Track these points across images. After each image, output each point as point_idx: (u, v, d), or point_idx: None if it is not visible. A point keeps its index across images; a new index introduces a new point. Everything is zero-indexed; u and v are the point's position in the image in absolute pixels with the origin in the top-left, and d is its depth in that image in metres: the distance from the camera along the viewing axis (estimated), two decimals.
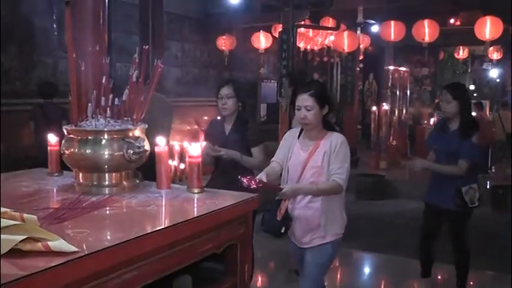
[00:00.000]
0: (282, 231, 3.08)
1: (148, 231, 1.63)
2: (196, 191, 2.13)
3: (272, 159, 3.29)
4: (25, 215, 1.55)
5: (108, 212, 1.88)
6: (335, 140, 3.14)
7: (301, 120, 3.14)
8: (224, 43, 10.68)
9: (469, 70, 15.81)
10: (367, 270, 5.83)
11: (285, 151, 3.26)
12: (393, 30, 9.32)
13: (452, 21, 11.21)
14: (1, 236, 1.36)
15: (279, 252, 5.35)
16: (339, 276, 5.54)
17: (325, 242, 3.18)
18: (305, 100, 3.10)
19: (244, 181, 2.70)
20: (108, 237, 1.66)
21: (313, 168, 3.10)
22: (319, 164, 3.10)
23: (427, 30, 8.90)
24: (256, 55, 11.39)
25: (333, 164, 3.09)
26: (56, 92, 6.46)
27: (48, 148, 2.61)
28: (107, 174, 2.17)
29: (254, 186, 2.64)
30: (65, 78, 6.12)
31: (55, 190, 2.34)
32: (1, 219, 1.44)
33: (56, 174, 2.56)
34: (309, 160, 3.12)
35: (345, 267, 5.67)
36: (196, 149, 2.13)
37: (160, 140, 2.21)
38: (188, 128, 9.33)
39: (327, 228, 3.16)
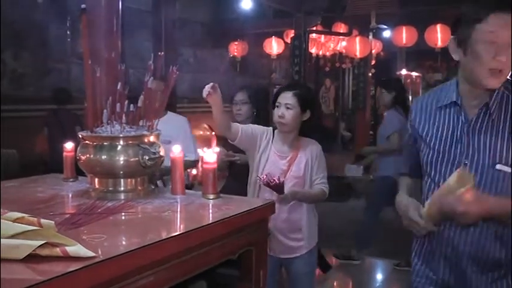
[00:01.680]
0: None
1: (165, 237, 1.63)
2: (211, 197, 2.13)
3: (237, 124, 3.09)
4: (42, 220, 1.56)
5: (123, 217, 1.89)
6: (315, 149, 3.10)
7: (278, 118, 3.03)
8: (236, 49, 10.71)
9: None
10: (379, 277, 5.81)
11: (253, 138, 3.07)
12: (405, 35, 9.29)
13: None
14: (19, 241, 1.38)
15: None
16: (351, 283, 5.53)
17: (311, 249, 3.15)
18: (287, 98, 3.01)
19: (263, 178, 2.71)
20: (124, 243, 1.67)
21: (294, 178, 3.01)
22: (301, 174, 3.03)
23: (439, 35, 8.87)
24: (268, 61, 11.41)
25: (317, 173, 3.06)
26: (70, 98, 6.51)
27: (64, 154, 2.62)
28: (122, 180, 2.18)
29: (275, 183, 2.66)
30: (78, 84, 6.15)
31: (70, 195, 2.35)
32: (19, 224, 1.45)
33: (71, 179, 2.57)
34: (290, 169, 3.02)
35: (357, 274, 5.65)
36: (211, 155, 2.13)
37: (176, 147, 2.22)
38: (201, 133, 9.34)
39: (310, 236, 3.13)
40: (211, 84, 2.58)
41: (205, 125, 9.12)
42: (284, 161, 3.01)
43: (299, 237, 3.09)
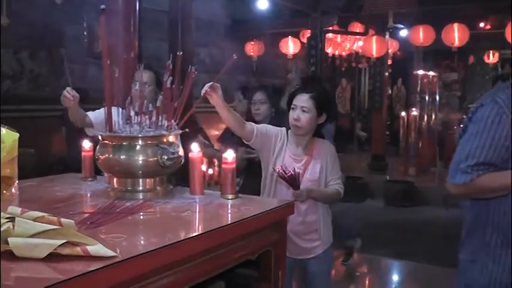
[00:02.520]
0: None
1: (185, 237, 1.63)
2: (230, 197, 2.13)
3: (252, 123, 3.01)
4: (62, 220, 1.56)
5: (142, 217, 1.89)
6: (329, 151, 3.07)
7: (293, 121, 2.97)
8: (252, 49, 10.72)
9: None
10: (395, 278, 5.78)
11: (268, 139, 3.03)
12: (422, 35, 9.24)
13: (482, 25, 11.06)
14: (40, 240, 1.38)
15: None
16: (367, 283, 5.50)
17: (326, 249, 3.13)
18: (303, 101, 2.95)
19: (279, 169, 2.69)
20: (143, 243, 1.67)
21: (309, 182, 2.96)
22: (316, 177, 2.99)
23: (456, 35, 8.83)
24: (285, 61, 11.39)
25: (331, 174, 3.02)
26: (87, 98, 6.53)
27: (82, 153, 2.63)
28: (141, 180, 2.18)
29: (291, 173, 2.64)
30: (94, 84, 6.17)
31: (89, 195, 2.36)
32: (39, 223, 1.45)
33: (90, 179, 2.57)
34: (305, 173, 2.97)
35: (373, 275, 5.63)
36: (230, 154, 2.13)
37: (194, 146, 2.22)
38: (217, 133, 9.34)
39: (326, 236, 3.11)
40: (211, 83, 2.48)
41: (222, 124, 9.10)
42: (299, 164, 2.97)
43: (315, 238, 3.07)
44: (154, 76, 3.62)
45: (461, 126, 2.22)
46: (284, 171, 2.74)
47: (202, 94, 2.49)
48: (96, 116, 3.50)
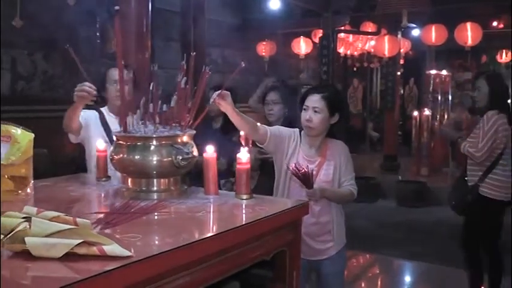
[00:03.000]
0: None
1: (201, 238, 1.63)
2: (244, 197, 2.13)
3: (265, 126, 2.97)
4: (78, 219, 1.57)
5: (156, 217, 1.89)
6: (343, 151, 3.05)
7: (305, 122, 2.95)
8: (264, 49, 10.72)
9: None
10: (408, 279, 5.76)
11: (282, 141, 3.01)
12: (434, 34, 9.18)
13: (495, 23, 10.99)
14: (56, 240, 1.39)
15: None
16: (379, 284, 5.49)
17: (340, 250, 3.11)
18: (315, 101, 2.93)
19: (292, 167, 2.69)
20: (157, 243, 1.67)
21: (323, 183, 2.95)
22: (330, 178, 2.98)
23: (469, 34, 8.76)
24: (296, 61, 11.37)
25: (344, 175, 3.00)
26: (100, 99, 6.56)
27: (96, 154, 2.64)
28: (155, 180, 2.18)
29: (303, 171, 2.63)
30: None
31: (103, 195, 2.37)
32: (55, 223, 1.46)
33: (104, 179, 2.58)
34: (319, 174, 2.96)
35: (385, 275, 5.61)
36: (245, 155, 2.13)
37: (209, 147, 2.22)
38: None
39: (339, 237, 3.09)
40: (219, 91, 2.46)
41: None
42: (312, 166, 2.93)
43: (328, 240, 3.06)
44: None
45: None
46: (298, 168, 2.73)
47: (210, 102, 2.49)
48: (85, 118, 3.30)
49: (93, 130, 3.30)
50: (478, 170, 4.14)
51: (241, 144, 2.80)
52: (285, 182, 3.03)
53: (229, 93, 2.50)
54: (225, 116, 2.93)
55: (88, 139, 3.34)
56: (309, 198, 2.75)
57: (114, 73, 3.32)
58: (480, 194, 4.11)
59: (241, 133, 2.93)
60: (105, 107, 3.45)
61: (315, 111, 2.92)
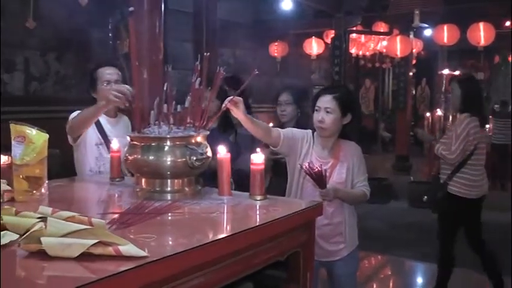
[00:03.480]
0: None
1: (216, 238, 1.63)
2: (258, 198, 2.12)
3: (278, 129, 2.97)
4: (93, 219, 1.58)
5: (170, 218, 1.89)
6: (356, 152, 3.03)
7: (318, 123, 2.93)
8: (276, 49, 10.71)
9: None
10: (419, 280, 5.73)
11: (295, 143, 2.99)
12: (447, 34, 9.11)
13: (508, 23, 10.90)
14: (72, 240, 1.39)
15: None
16: (391, 285, 5.47)
17: (352, 251, 3.10)
18: (327, 102, 2.91)
19: (305, 166, 2.68)
20: (172, 243, 1.68)
21: (336, 184, 2.92)
22: (343, 179, 2.96)
23: (482, 34, 8.69)
24: (308, 61, 11.36)
25: (357, 176, 2.98)
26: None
27: (110, 154, 2.66)
28: (169, 181, 2.18)
29: (317, 170, 2.62)
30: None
31: (116, 195, 2.37)
32: (71, 223, 1.47)
33: (117, 179, 2.59)
34: (332, 175, 2.94)
35: (397, 276, 5.59)
36: (259, 156, 2.12)
37: (222, 147, 2.22)
38: None
39: (351, 238, 3.08)
40: (231, 97, 2.45)
41: None
42: (325, 167, 2.89)
43: (340, 241, 3.05)
44: (120, 73, 3.33)
45: None
46: (311, 167, 2.72)
47: (223, 108, 2.48)
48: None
49: (87, 131, 3.18)
50: (448, 168, 4.33)
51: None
52: (298, 183, 3.02)
53: (241, 99, 2.48)
54: (221, 115, 2.89)
55: (83, 140, 3.22)
56: (323, 199, 2.74)
57: (106, 72, 3.26)
58: (448, 191, 4.30)
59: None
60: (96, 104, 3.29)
61: (327, 112, 2.91)
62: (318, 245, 2.85)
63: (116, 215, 1.83)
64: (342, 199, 2.96)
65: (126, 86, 2.69)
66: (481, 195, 4.32)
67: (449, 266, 4.50)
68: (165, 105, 2.22)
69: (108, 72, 3.23)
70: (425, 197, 4.59)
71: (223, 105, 2.44)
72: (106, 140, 3.19)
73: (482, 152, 4.34)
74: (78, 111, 3.08)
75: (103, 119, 3.22)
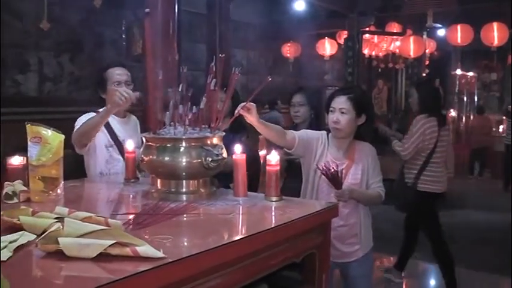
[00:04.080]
0: None
1: (232, 240, 1.63)
2: (274, 199, 2.12)
3: (292, 131, 2.93)
4: (110, 220, 1.59)
5: (185, 218, 1.89)
6: (371, 153, 3.01)
7: (333, 124, 2.91)
8: (289, 50, 10.69)
9: None
10: (432, 282, 5.69)
11: (310, 144, 2.96)
12: (460, 34, 9.03)
13: None
14: (90, 240, 1.40)
15: None
16: (404, 287, 5.44)
17: (367, 252, 3.08)
18: (341, 103, 2.89)
19: (322, 166, 2.67)
20: (187, 244, 1.68)
21: (351, 185, 2.89)
22: (358, 181, 2.93)
23: (496, 34, 8.61)
24: (321, 62, 11.33)
25: (372, 177, 2.97)
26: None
27: (125, 155, 2.66)
28: (184, 181, 2.18)
29: (333, 170, 2.62)
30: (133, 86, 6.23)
31: (131, 196, 2.37)
32: (88, 223, 1.47)
33: (132, 180, 2.59)
34: (347, 177, 2.91)
35: (410, 278, 5.55)
36: (274, 156, 2.12)
37: (237, 148, 2.22)
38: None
39: (366, 240, 3.06)
40: (244, 104, 2.43)
41: None
42: (341, 168, 2.87)
43: (355, 242, 3.03)
44: (129, 74, 3.30)
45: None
46: (327, 167, 2.72)
47: (235, 114, 2.47)
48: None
49: (97, 133, 3.11)
50: (413, 169, 4.68)
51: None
52: (314, 184, 3.00)
53: (254, 105, 2.47)
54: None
55: (92, 144, 3.15)
56: (338, 199, 2.73)
57: (115, 73, 3.23)
58: (418, 190, 4.62)
59: (260, 137, 2.92)
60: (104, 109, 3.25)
61: (342, 113, 2.89)
62: (333, 246, 2.84)
63: (132, 216, 1.84)
64: (357, 200, 2.95)
65: (127, 90, 2.83)
66: (444, 190, 4.67)
67: (451, 257, 4.74)
68: (181, 106, 2.22)
69: (118, 73, 3.22)
70: (396, 203, 4.92)
71: (236, 111, 2.44)
72: (116, 142, 3.18)
73: (443, 150, 4.63)
74: (84, 120, 3.06)
75: (113, 120, 3.19)
